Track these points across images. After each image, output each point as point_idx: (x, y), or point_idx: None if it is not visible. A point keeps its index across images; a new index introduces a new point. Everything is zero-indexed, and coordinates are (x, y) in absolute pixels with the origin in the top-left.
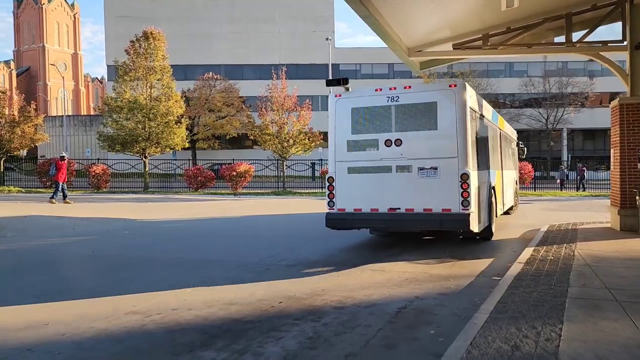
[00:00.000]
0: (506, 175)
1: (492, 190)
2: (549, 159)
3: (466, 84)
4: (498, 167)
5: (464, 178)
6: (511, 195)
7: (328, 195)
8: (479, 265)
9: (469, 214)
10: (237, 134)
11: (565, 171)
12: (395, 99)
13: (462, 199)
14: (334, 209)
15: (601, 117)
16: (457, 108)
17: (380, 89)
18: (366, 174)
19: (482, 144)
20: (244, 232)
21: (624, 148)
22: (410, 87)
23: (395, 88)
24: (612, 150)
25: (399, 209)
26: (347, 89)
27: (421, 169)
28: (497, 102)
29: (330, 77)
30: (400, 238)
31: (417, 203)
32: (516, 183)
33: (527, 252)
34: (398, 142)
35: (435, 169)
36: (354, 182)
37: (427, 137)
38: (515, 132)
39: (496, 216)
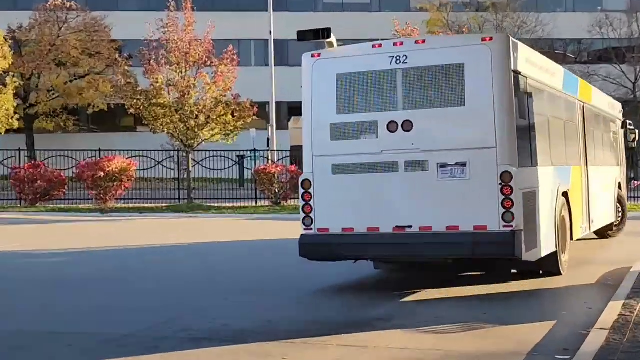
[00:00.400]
0: (596, 175)
1: (564, 199)
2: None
3: (509, 36)
4: (577, 161)
5: (506, 179)
6: (608, 207)
7: (303, 209)
8: (532, 332)
9: (514, 233)
10: (108, 106)
11: None
12: (402, 59)
13: (504, 210)
14: (311, 229)
15: None
16: (496, 73)
17: (380, 44)
18: (360, 174)
19: (541, 127)
20: (117, 278)
21: None
22: (424, 41)
23: (402, 43)
24: None
25: (410, 227)
26: (331, 45)
27: (442, 166)
28: (553, 52)
29: (271, 10)
30: (416, 274)
31: (437, 218)
32: (620, 187)
33: (614, 310)
34: (407, 126)
35: (464, 165)
36: (341, 187)
37: (450, 118)
38: (618, 105)
39: (572, 239)
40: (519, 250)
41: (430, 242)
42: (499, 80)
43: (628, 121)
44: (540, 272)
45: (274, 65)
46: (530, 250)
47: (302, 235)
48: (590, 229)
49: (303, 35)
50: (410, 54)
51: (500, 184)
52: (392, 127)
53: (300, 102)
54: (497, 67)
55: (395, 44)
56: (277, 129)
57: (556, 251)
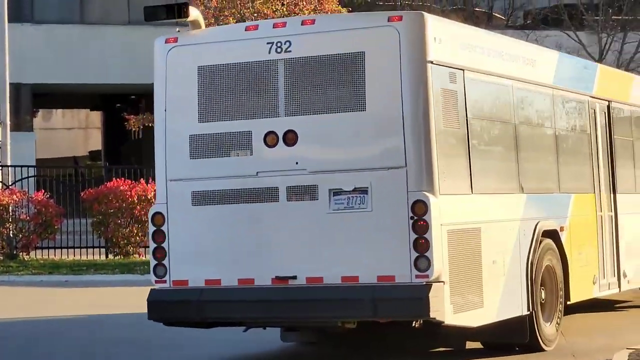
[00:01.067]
0: (636, 208)
1: (550, 241)
2: None
3: (425, 15)
4: (588, 186)
5: (420, 211)
6: None
7: (154, 254)
8: None
9: (430, 287)
10: None
11: None
12: (284, 46)
13: (417, 254)
14: (165, 282)
15: None
16: (406, 65)
17: (256, 26)
18: (230, 205)
19: (496, 138)
20: None
21: None
22: (313, 21)
23: (284, 24)
24: None
25: (295, 277)
26: (195, 25)
27: (336, 193)
28: (489, 18)
29: None
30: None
31: (329, 265)
32: None
33: None
34: (290, 139)
35: (364, 192)
36: (205, 223)
37: (347, 128)
38: None
39: (568, 299)
40: (438, 312)
41: (320, 299)
42: (410, 75)
43: None
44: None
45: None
46: (465, 311)
47: (151, 290)
48: (620, 286)
49: (153, 14)
50: (294, 39)
51: (412, 217)
52: (270, 139)
53: (54, 87)
54: (408, 58)
55: (275, 26)
56: (13, 129)
57: (527, 316)
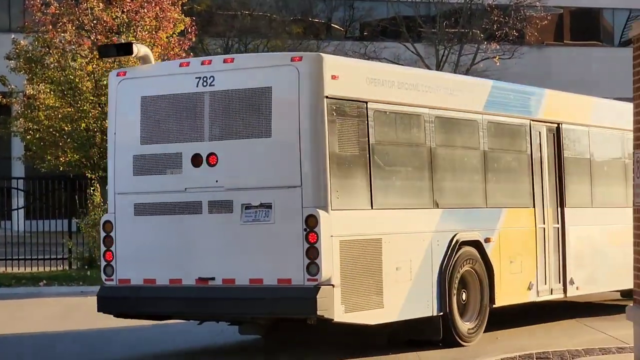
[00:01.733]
0: (584, 219)
1: (472, 250)
2: None
3: (325, 56)
4: (525, 201)
5: (312, 224)
6: (615, 264)
7: (104, 255)
8: None
9: (318, 289)
10: None
11: None
12: (209, 80)
13: (308, 260)
14: (112, 280)
15: (580, 69)
16: (303, 99)
17: (188, 63)
18: (164, 216)
19: (403, 160)
20: None
21: None
22: (232, 60)
23: (210, 62)
24: (638, 153)
25: (214, 279)
26: (146, 60)
27: (247, 207)
28: (328, 29)
29: None
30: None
31: (241, 268)
32: None
33: None
34: (212, 160)
35: (269, 207)
36: (144, 230)
37: (256, 151)
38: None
39: (492, 302)
40: (327, 310)
41: (232, 298)
42: (306, 108)
43: None
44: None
45: None
46: (360, 311)
47: (101, 287)
48: (566, 292)
49: (106, 51)
50: (217, 74)
51: (305, 229)
52: (196, 160)
53: None
54: (305, 92)
55: (203, 63)
56: None
57: (440, 316)
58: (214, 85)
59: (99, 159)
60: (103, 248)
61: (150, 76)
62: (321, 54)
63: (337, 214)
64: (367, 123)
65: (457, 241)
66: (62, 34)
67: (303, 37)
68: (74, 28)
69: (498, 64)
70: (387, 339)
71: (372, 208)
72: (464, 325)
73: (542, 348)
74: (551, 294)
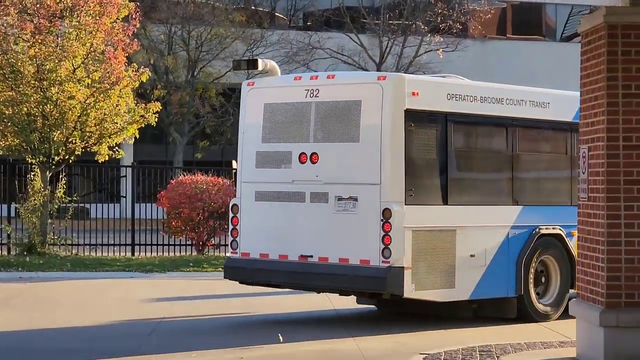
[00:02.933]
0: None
1: (555, 240)
2: None
3: (408, 76)
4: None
5: (387, 215)
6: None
7: (231, 232)
8: None
9: (390, 269)
10: None
11: None
12: (315, 92)
13: (383, 246)
14: (236, 253)
15: (522, 63)
16: (385, 111)
17: (300, 77)
18: (276, 202)
19: (478, 163)
20: None
21: (616, 137)
22: (334, 76)
23: (317, 77)
24: (584, 148)
25: (312, 256)
26: (272, 73)
27: (339, 199)
28: (272, 18)
29: None
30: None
31: (333, 249)
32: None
33: None
34: (314, 158)
35: (355, 200)
36: (262, 213)
37: (347, 153)
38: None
39: (572, 287)
40: (397, 287)
41: (325, 273)
42: (388, 119)
43: None
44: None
45: None
46: (430, 289)
47: (227, 258)
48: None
49: (239, 65)
50: (322, 88)
51: (382, 220)
52: (302, 158)
53: None
54: (387, 106)
55: (311, 78)
56: None
57: (516, 297)
58: (318, 96)
59: (39, 143)
60: (230, 226)
61: (271, 87)
62: (403, 74)
63: (410, 208)
64: (446, 132)
65: (536, 233)
66: (4, 17)
67: (246, 26)
68: (16, 12)
69: (442, 56)
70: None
71: (447, 204)
72: (540, 305)
73: (485, 341)
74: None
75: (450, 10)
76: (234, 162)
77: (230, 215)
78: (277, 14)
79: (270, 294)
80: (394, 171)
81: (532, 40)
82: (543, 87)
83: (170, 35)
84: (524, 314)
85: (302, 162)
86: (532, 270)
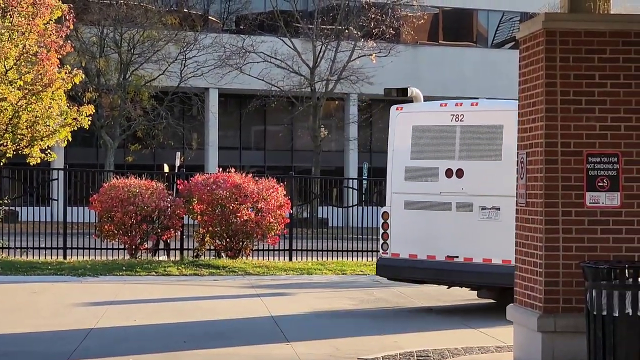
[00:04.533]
0: None
1: None
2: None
3: None
4: None
5: None
6: None
7: (382, 236)
8: None
9: None
10: None
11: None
12: (460, 117)
13: None
14: (387, 254)
15: (453, 68)
16: None
17: (446, 104)
18: (424, 210)
19: None
20: None
21: (554, 143)
22: (477, 104)
23: (461, 104)
24: (522, 153)
25: (457, 257)
26: (417, 99)
27: (483, 208)
28: (205, 21)
29: None
30: None
31: (476, 251)
32: None
33: None
34: (459, 173)
35: (498, 209)
36: (410, 220)
37: (491, 169)
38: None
39: None
40: None
41: (470, 271)
42: None
43: None
44: None
45: None
46: None
47: (379, 257)
48: None
49: (389, 93)
50: (466, 113)
51: None
52: (448, 173)
53: None
54: None
55: (456, 104)
56: None
57: None
58: (463, 121)
59: None
60: (381, 230)
61: (419, 111)
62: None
63: None
64: None
65: None
66: None
67: (179, 29)
68: None
69: (374, 61)
70: None
71: None
72: None
73: (422, 347)
74: None
75: (383, 16)
76: (165, 165)
77: (381, 221)
78: (210, 17)
79: (205, 299)
80: None
81: (463, 46)
82: (473, 92)
83: (102, 38)
84: None
85: (448, 177)
86: None
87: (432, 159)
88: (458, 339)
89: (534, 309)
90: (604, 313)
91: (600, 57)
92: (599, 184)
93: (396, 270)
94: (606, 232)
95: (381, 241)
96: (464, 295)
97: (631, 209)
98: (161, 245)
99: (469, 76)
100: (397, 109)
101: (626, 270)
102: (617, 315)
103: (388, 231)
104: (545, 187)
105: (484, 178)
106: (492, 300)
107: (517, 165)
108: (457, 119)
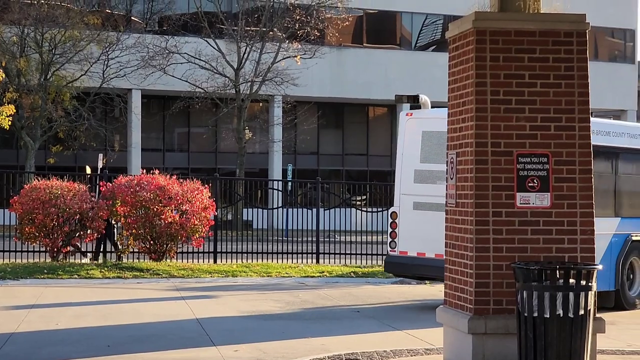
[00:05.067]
0: None
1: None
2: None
3: None
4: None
5: None
6: None
7: (390, 234)
8: None
9: None
10: None
11: None
12: None
13: None
14: (395, 251)
15: (377, 71)
16: None
17: None
18: (432, 211)
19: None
20: None
21: (485, 143)
22: None
23: None
24: (452, 154)
25: None
26: (425, 106)
27: None
28: (128, 22)
29: None
30: None
31: None
32: None
33: None
34: None
35: None
36: (418, 220)
37: None
38: None
39: None
40: None
41: None
42: None
43: None
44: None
45: None
46: None
47: (387, 255)
48: None
49: (400, 99)
50: None
51: None
52: None
53: None
54: None
55: None
56: None
57: (614, 291)
58: None
59: None
60: (389, 229)
61: (429, 117)
62: None
63: None
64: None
65: (629, 239)
66: None
67: (102, 29)
68: None
69: (299, 63)
70: None
71: None
72: (631, 296)
73: (350, 349)
74: None
75: (308, 17)
76: (87, 167)
77: (390, 220)
78: (133, 18)
79: (129, 302)
80: None
81: (387, 48)
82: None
83: (22, 37)
84: (619, 304)
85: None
86: (625, 269)
87: (442, 162)
88: (386, 342)
89: (465, 311)
90: (535, 314)
91: (530, 57)
92: (530, 184)
93: (404, 268)
94: (537, 232)
95: (389, 239)
96: (390, 297)
97: (561, 209)
98: (84, 248)
99: (393, 78)
100: (407, 114)
101: (557, 271)
102: (548, 316)
103: (396, 230)
104: (475, 187)
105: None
106: (417, 301)
107: (447, 166)
108: None
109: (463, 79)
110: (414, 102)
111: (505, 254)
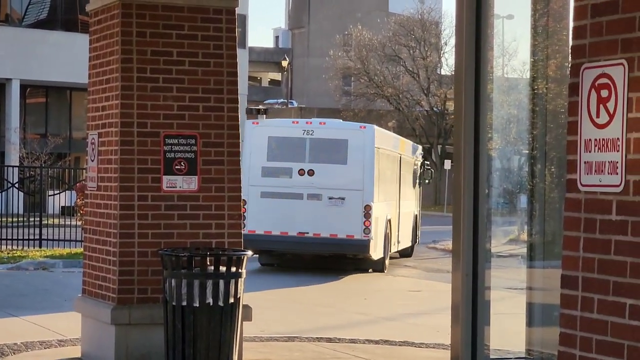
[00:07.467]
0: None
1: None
2: None
3: (375, 127)
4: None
5: (367, 209)
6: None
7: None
8: None
9: (369, 241)
10: None
11: None
12: (310, 132)
13: (364, 227)
14: (244, 230)
15: None
16: (365, 147)
17: (297, 122)
18: (278, 199)
19: (385, 175)
20: None
21: (130, 123)
22: (325, 123)
23: (311, 122)
24: (93, 134)
25: (308, 232)
26: (264, 118)
27: (330, 198)
28: None
29: None
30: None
31: (324, 228)
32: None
33: None
34: (311, 173)
35: (343, 199)
36: (266, 205)
37: (337, 170)
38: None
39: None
40: (372, 253)
41: (319, 243)
42: (366, 151)
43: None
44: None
45: None
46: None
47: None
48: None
49: (251, 112)
50: (316, 130)
51: (364, 211)
52: (301, 172)
53: None
54: (366, 144)
55: (306, 122)
56: None
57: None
58: (313, 135)
59: None
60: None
61: (274, 126)
62: (374, 126)
63: (377, 204)
64: (379, 157)
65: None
66: None
67: None
68: None
69: None
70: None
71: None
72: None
73: None
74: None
75: None
76: None
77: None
78: None
79: None
80: (370, 182)
81: None
82: (8, 73)
83: None
84: None
85: (300, 175)
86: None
87: (285, 161)
88: (7, 331)
89: (107, 300)
90: (184, 303)
91: (178, 34)
92: (177, 167)
93: (254, 243)
94: (183, 217)
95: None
96: None
97: (209, 193)
98: None
99: (2, 55)
100: (253, 123)
101: (207, 258)
102: (197, 305)
103: (245, 214)
104: (120, 169)
105: (332, 176)
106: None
107: (88, 147)
108: (307, 133)
109: (107, 55)
110: (264, 113)
111: (150, 240)
